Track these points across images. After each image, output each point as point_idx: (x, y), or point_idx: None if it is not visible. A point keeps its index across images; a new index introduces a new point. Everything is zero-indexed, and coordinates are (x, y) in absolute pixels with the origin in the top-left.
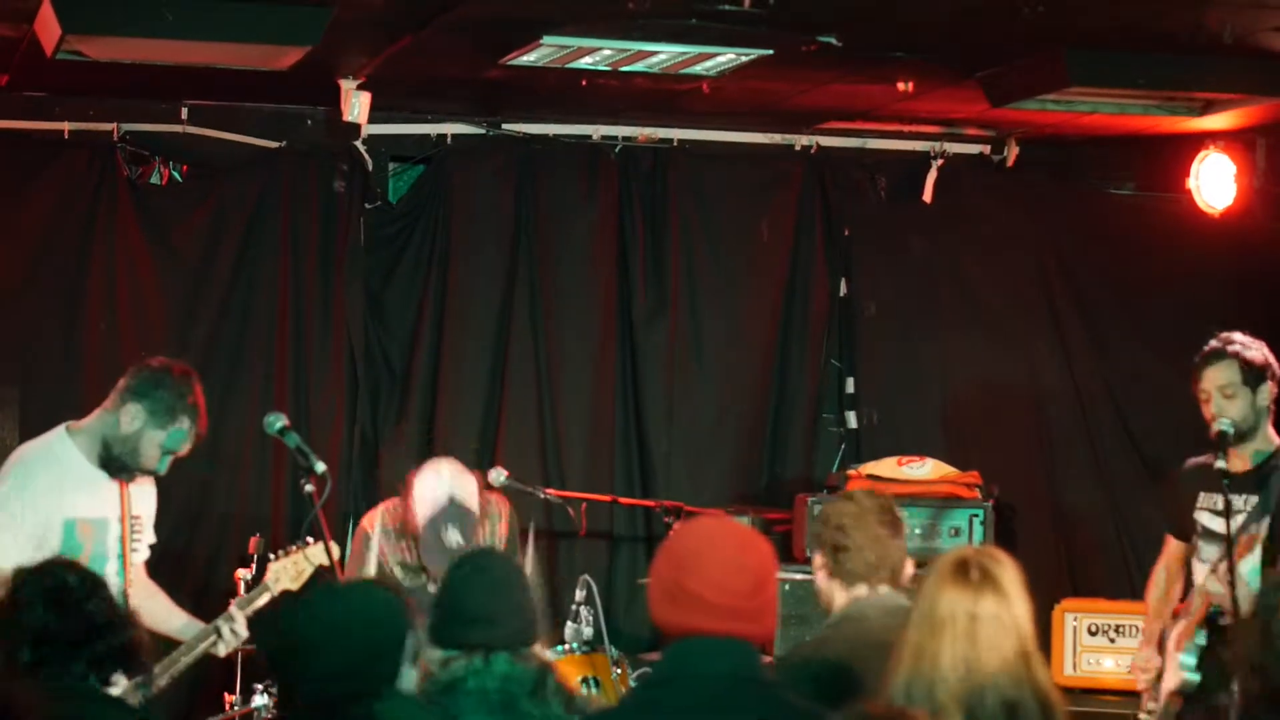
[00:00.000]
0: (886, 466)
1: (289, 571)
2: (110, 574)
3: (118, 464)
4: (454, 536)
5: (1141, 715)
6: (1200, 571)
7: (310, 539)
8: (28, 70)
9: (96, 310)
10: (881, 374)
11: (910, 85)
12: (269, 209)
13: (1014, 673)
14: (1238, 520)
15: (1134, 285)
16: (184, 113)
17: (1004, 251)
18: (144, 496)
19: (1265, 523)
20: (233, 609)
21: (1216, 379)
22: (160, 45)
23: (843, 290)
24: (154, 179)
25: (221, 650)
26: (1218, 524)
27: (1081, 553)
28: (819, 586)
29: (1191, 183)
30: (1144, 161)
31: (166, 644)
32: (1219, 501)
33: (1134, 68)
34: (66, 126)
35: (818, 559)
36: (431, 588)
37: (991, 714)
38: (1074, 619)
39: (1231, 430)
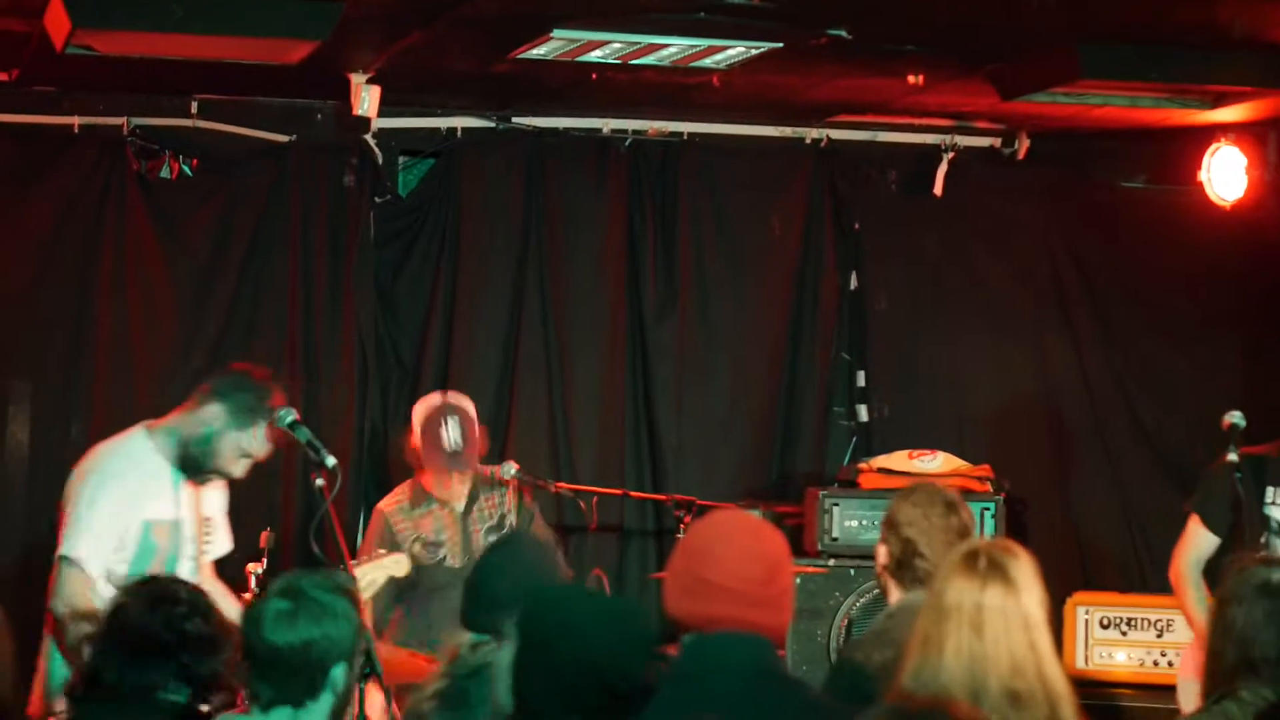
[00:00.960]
0: (897, 460)
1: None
2: (183, 575)
3: (194, 464)
4: (452, 434)
5: None
6: None
7: (383, 550)
8: (38, 65)
9: (106, 304)
10: (892, 367)
11: (921, 78)
12: (278, 203)
13: (1020, 664)
14: None
15: (1145, 278)
16: (194, 107)
17: (1015, 245)
18: (214, 498)
19: None
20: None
21: None
22: (170, 39)
23: (853, 284)
24: (164, 173)
25: None
26: None
27: (1093, 546)
28: (880, 574)
29: (1203, 175)
30: (1155, 154)
31: None
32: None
33: (1145, 61)
34: (76, 121)
35: (882, 554)
36: (449, 563)
37: (994, 704)
38: (1085, 612)
39: (1243, 423)
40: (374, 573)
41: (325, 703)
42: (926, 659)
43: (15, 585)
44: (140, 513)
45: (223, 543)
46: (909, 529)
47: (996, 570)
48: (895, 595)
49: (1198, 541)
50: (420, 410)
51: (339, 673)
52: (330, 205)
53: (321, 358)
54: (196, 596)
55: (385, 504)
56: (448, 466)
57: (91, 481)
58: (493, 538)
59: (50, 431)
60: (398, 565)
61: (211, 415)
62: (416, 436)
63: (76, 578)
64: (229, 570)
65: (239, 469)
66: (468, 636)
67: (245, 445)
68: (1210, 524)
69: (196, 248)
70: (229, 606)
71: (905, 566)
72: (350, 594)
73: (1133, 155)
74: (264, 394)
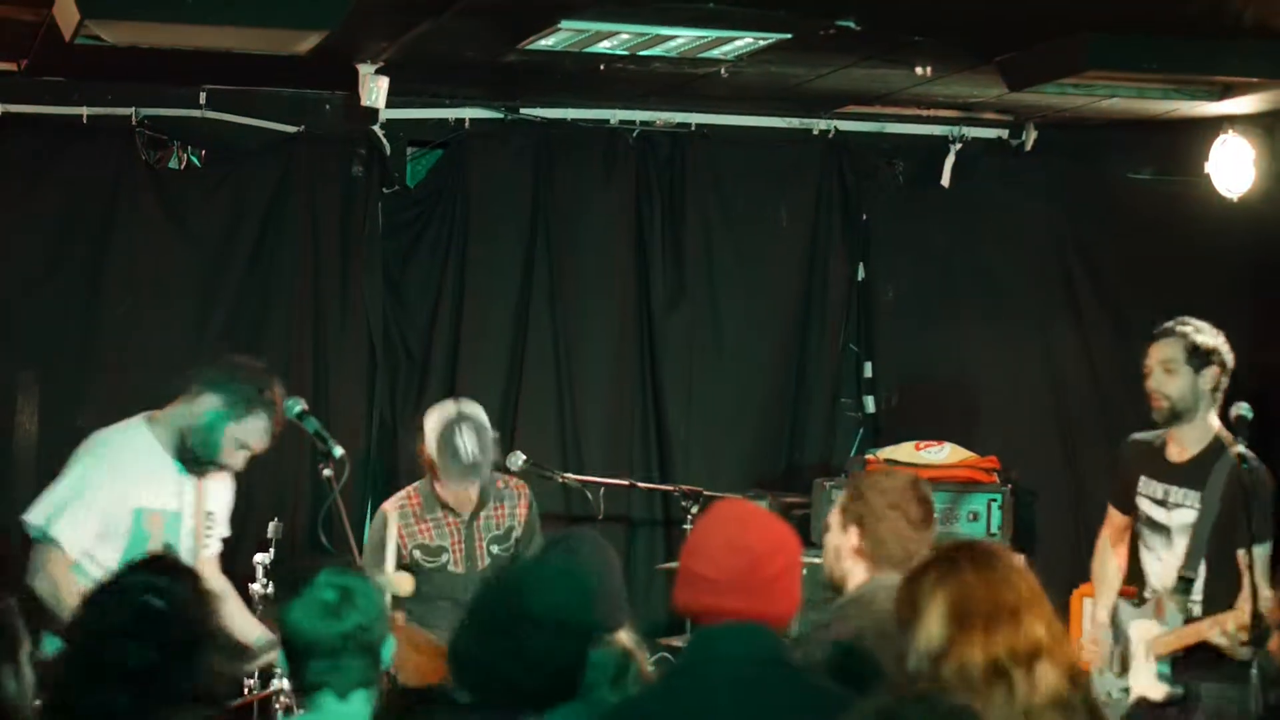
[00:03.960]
0: (905, 451)
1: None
2: None
3: (192, 456)
4: (468, 444)
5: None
6: (1150, 564)
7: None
8: (46, 55)
9: (116, 294)
10: (900, 358)
11: (928, 69)
12: (287, 194)
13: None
14: (1182, 514)
15: (1152, 269)
16: (202, 97)
17: (1022, 236)
18: (219, 492)
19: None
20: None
21: (1160, 354)
22: (178, 30)
23: (861, 275)
24: (172, 164)
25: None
26: (1159, 514)
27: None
28: (838, 560)
29: (1210, 167)
30: (1162, 145)
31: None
32: (1159, 491)
33: (1153, 52)
34: (85, 111)
35: (852, 536)
36: (452, 568)
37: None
38: (1092, 603)
39: (1251, 414)
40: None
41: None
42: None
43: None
44: (131, 501)
45: (221, 535)
46: (886, 510)
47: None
48: (861, 577)
49: (1112, 520)
50: (433, 420)
51: (388, 648)
52: (339, 196)
53: (329, 348)
54: (174, 607)
55: (390, 505)
56: (464, 478)
57: (82, 464)
58: (496, 548)
59: (58, 421)
60: (403, 584)
61: (208, 407)
62: (430, 447)
63: (56, 558)
64: (237, 560)
65: (238, 461)
66: None
67: (242, 437)
68: (1116, 505)
69: (205, 238)
70: (232, 608)
71: (879, 547)
72: (363, 571)
73: (1140, 146)
74: (261, 385)
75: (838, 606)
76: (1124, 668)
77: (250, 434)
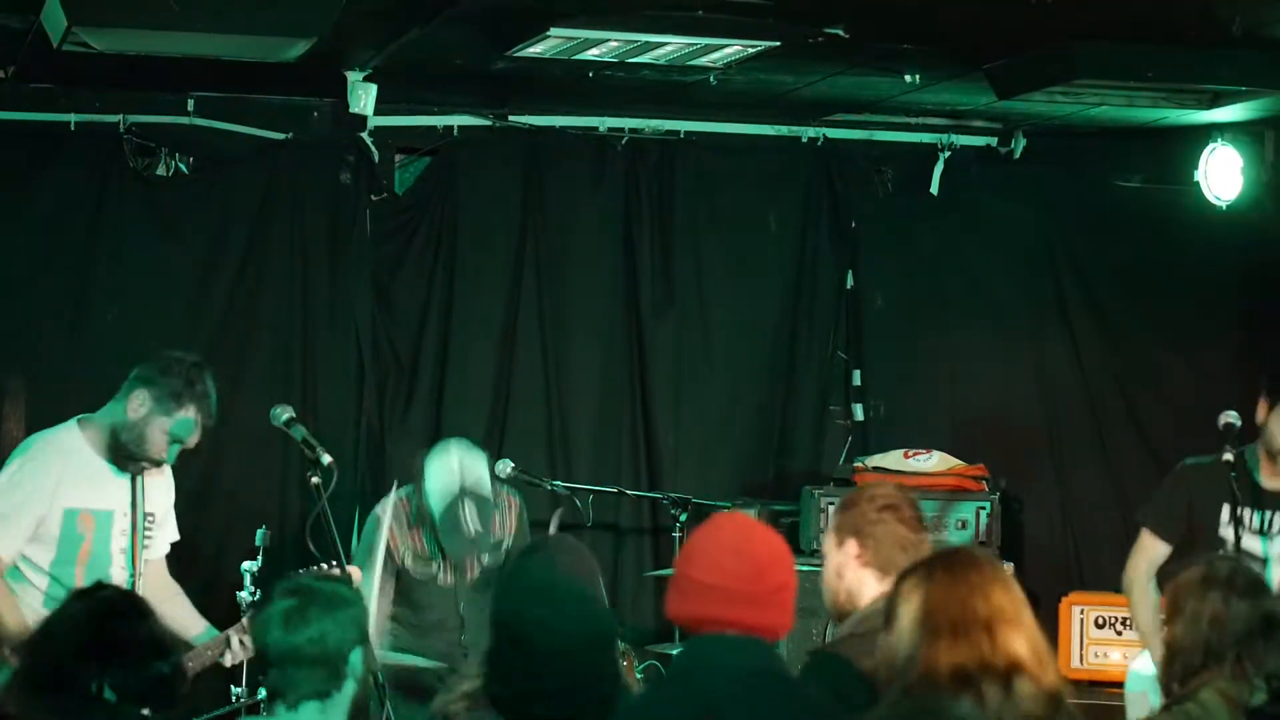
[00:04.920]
0: (893, 459)
1: None
2: (116, 569)
3: (125, 452)
4: (471, 521)
5: None
6: None
7: (330, 564)
8: (34, 62)
9: (104, 302)
10: (889, 366)
11: (917, 77)
12: (275, 201)
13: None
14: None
15: (1141, 277)
16: (190, 104)
17: (1011, 243)
18: (159, 491)
19: None
20: (246, 621)
21: None
22: (167, 36)
23: (850, 282)
24: (160, 171)
25: (227, 660)
26: (1257, 545)
27: (1089, 545)
28: (841, 579)
29: (1199, 175)
30: (1151, 153)
31: None
32: (1257, 520)
33: (1142, 60)
34: (73, 118)
35: (852, 547)
36: (441, 581)
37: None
38: (1081, 611)
39: (1239, 423)
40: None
41: (349, 690)
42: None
43: None
44: (61, 501)
45: (168, 536)
46: (879, 514)
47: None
48: (874, 587)
49: (1152, 551)
50: (434, 481)
51: (357, 657)
52: (327, 203)
53: (318, 355)
54: (139, 604)
55: (382, 510)
56: (465, 552)
57: (13, 467)
58: (485, 558)
59: (46, 427)
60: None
61: (138, 402)
62: (430, 509)
63: None
64: (224, 568)
65: (170, 455)
66: None
67: (174, 431)
68: (1163, 533)
69: (193, 245)
70: (181, 608)
71: (881, 550)
72: (345, 580)
73: (1129, 154)
74: (191, 379)
75: (863, 616)
76: None
77: (182, 429)
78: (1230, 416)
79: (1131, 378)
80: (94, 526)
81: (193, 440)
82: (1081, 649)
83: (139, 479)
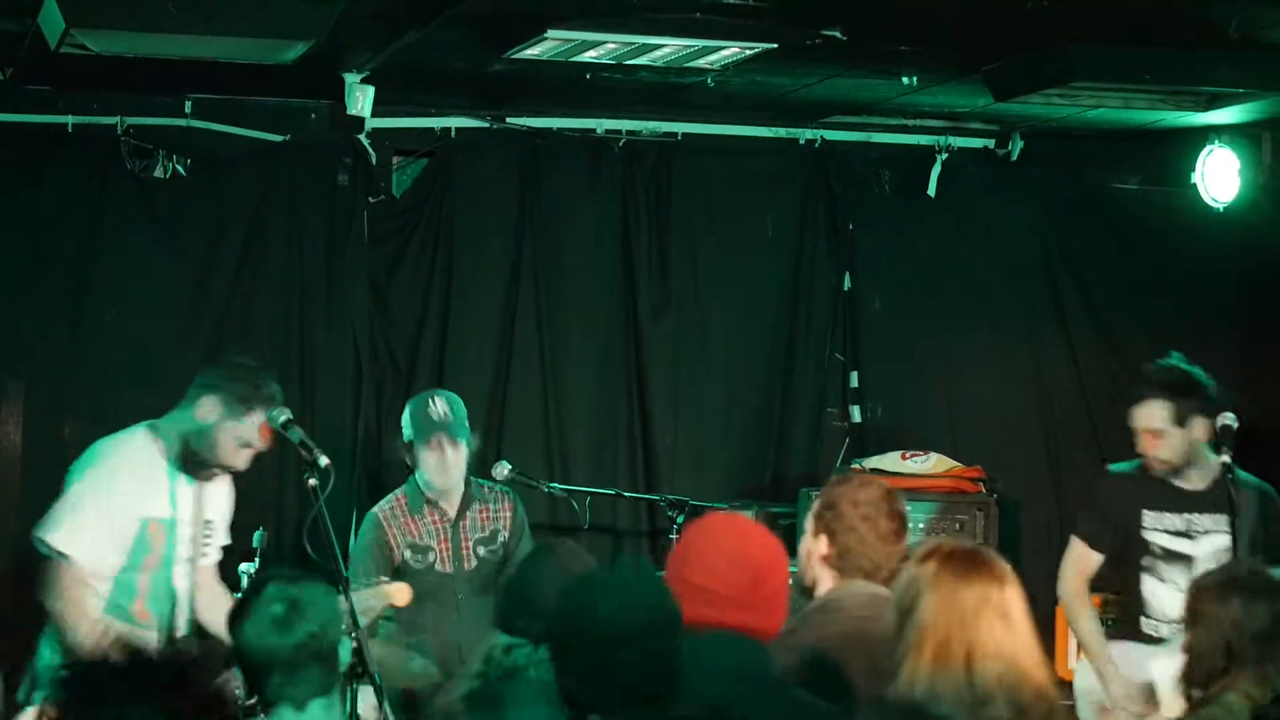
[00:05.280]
0: (890, 460)
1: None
2: (179, 576)
3: (196, 460)
4: (439, 407)
5: None
6: (1168, 597)
7: (385, 579)
8: (31, 64)
9: (101, 303)
10: (886, 368)
11: (914, 79)
12: (273, 203)
13: (1039, 658)
14: (1214, 540)
15: (1139, 279)
16: (188, 106)
17: (1009, 245)
18: (218, 498)
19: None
20: None
21: (1145, 421)
22: (164, 39)
23: (847, 284)
24: (158, 173)
25: None
26: (1182, 545)
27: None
28: (809, 567)
29: (1196, 177)
30: (1149, 156)
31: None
32: (1179, 522)
33: (1139, 62)
34: (70, 120)
35: (823, 544)
36: (439, 568)
37: (1029, 699)
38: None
39: (1236, 424)
40: (374, 600)
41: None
42: (948, 663)
43: (10, 585)
44: (138, 511)
45: (220, 543)
46: (857, 522)
47: (1000, 567)
48: (829, 585)
49: (1086, 560)
50: (408, 406)
51: (345, 648)
52: (324, 205)
53: (315, 357)
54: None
55: (380, 510)
56: (439, 437)
57: (88, 476)
58: (482, 550)
59: (44, 431)
60: (399, 594)
61: (207, 408)
62: (407, 429)
63: (64, 571)
64: (221, 570)
65: (241, 460)
66: (500, 639)
67: (244, 435)
68: (1093, 543)
69: (190, 247)
70: (225, 608)
71: (847, 557)
72: (318, 572)
73: (1126, 156)
74: (259, 383)
75: (804, 614)
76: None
77: (252, 431)
78: (1227, 418)
79: (1129, 379)
80: (163, 537)
81: (263, 445)
82: (1078, 651)
83: (202, 485)
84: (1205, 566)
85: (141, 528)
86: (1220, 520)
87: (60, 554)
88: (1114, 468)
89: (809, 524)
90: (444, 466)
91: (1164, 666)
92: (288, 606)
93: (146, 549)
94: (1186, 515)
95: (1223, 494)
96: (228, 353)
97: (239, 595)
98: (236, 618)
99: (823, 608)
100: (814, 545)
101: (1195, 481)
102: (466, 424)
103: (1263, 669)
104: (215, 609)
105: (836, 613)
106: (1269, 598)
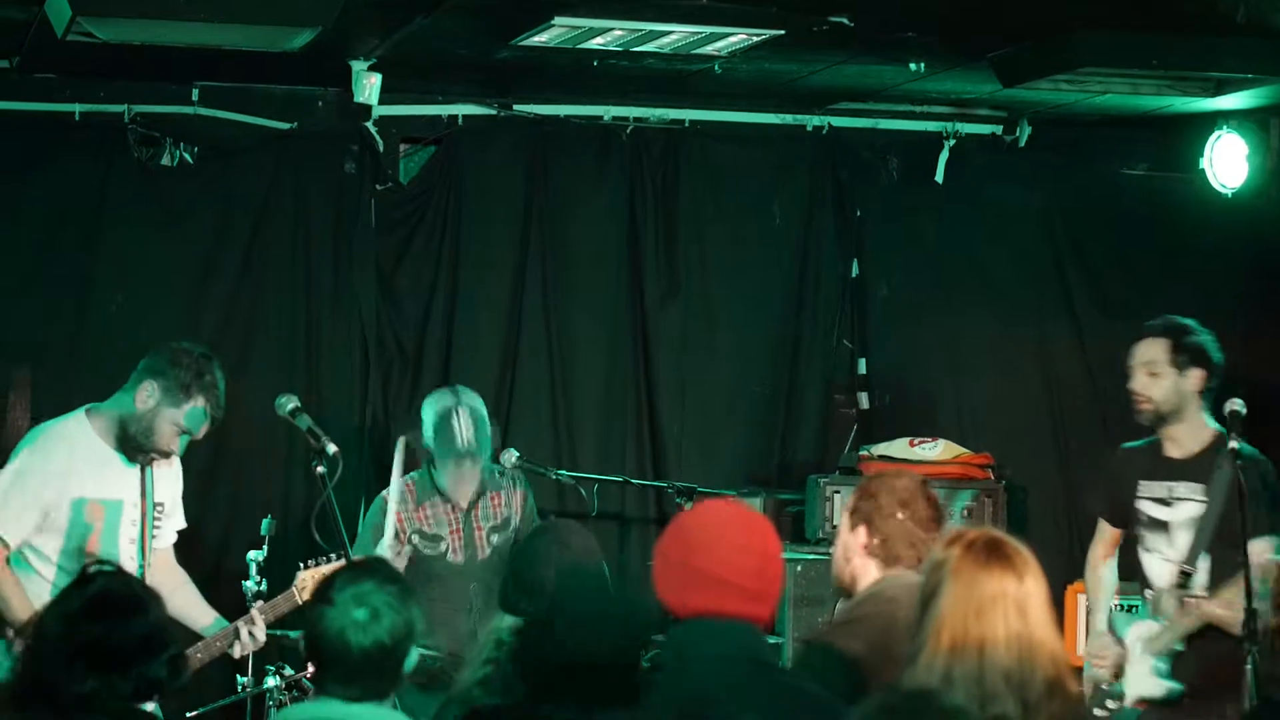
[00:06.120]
0: (898, 447)
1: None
2: (126, 558)
3: (134, 444)
4: (464, 431)
5: (1097, 712)
6: (1153, 565)
7: (336, 555)
8: (38, 52)
9: (108, 291)
10: (894, 355)
11: (922, 65)
12: (280, 191)
13: (1055, 650)
14: (1187, 508)
15: (1146, 265)
16: (194, 94)
17: (1016, 232)
18: (168, 481)
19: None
20: (254, 613)
21: (1143, 355)
22: (171, 26)
23: (855, 271)
24: (165, 161)
25: (236, 652)
26: (1161, 512)
27: (1093, 533)
28: (848, 561)
29: (1205, 162)
30: (1157, 142)
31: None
32: (1160, 489)
33: (1147, 48)
34: (77, 109)
35: (861, 534)
36: (451, 557)
37: (1038, 694)
38: (1085, 599)
39: (1245, 410)
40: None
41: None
42: (964, 654)
43: None
44: (71, 491)
45: (175, 525)
46: (896, 508)
47: (1024, 558)
48: (875, 575)
49: (1108, 535)
50: (430, 408)
51: (413, 657)
52: (331, 193)
53: (322, 345)
54: (135, 598)
55: (389, 494)
56: (460, 465)
57: (20, 458)
58: (495, 538)
59: (51, 418)
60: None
61: (146, 393)
62: (427, 434)
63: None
64: (229, 558)
65: (178, 445)
66: (508, 621)
67: (182, 422)
68: (1109, 519)
69: (197, 236)
70: (189, 597)
71: (889, 545)
72: (401, 581)
73: (1134, 142)
74: (200, 370)
75: (859, 602)
76: (1120, 672)
77: (191, 420)
78: (1235, 404)
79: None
80: (103, 516)
81: (201, 431)
82: (1087, 637)
83: (148, 469)
84: (1180, 534)
85: (75, 508)
86: (1196, 489)
87: None
88: (1125, 445)
89: (844, 520)
90: (461, 483)
91: (1137, 630)
92: (371, 613)
93: (86, 529)
94: (1168, 483)
95: (1207, 463)
96: (231, 349)
97: (339, 571)
98: (321, 600)
99: (876, 596)
100: (852, 539)
101: (1182, 444)
102: (489, 435)
103: None
104: (174, 592)
105: (892, 602)
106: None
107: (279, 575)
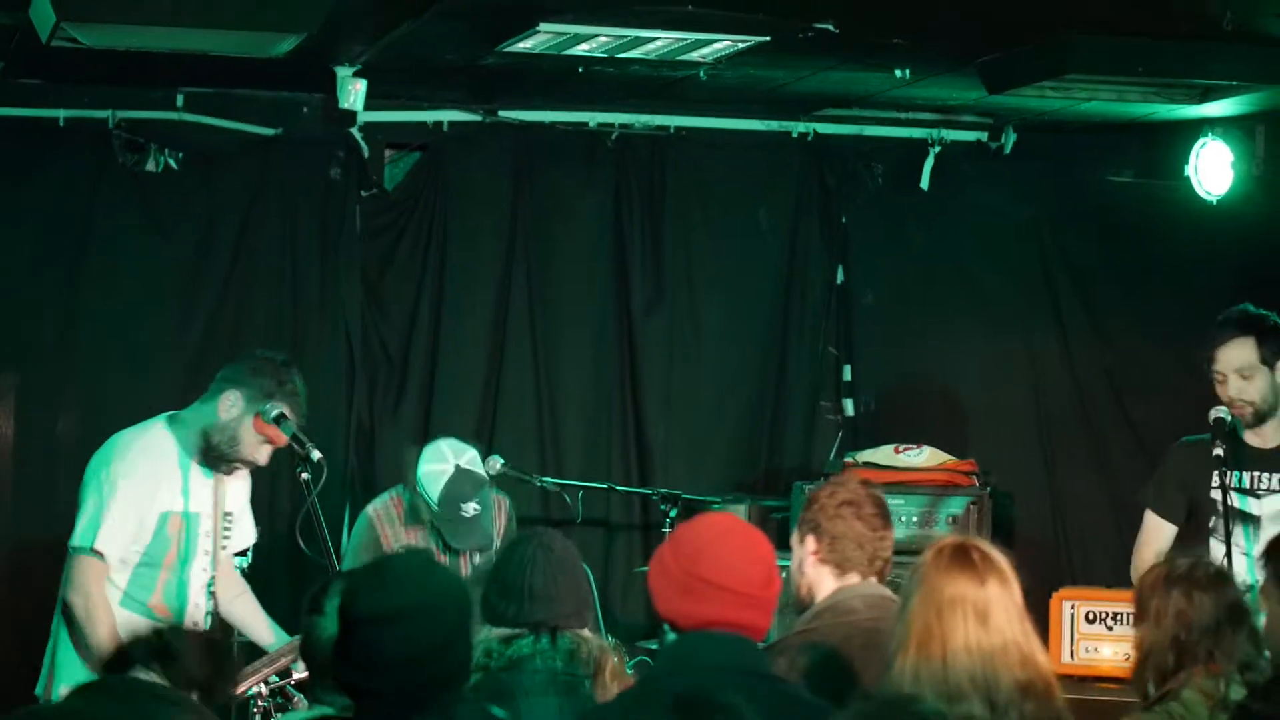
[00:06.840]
0: (884, 454)
1: None
2: (198, 570)
3: (216, 454)
4: (470, 506)
5: None
6: (1235, 560)
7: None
8: (23, 58)
9: (94, 297)
10: (879, 361)
11: (908, 72)
12: (265, 197)
13: (1025, 654)
14: (1275, 500)
15: (1132, 272)
16: (179, 100)
17: (1002, 239)
18: (237, 492)
19: None
20: None
21: (1233, 360)
22: (155, 32)
23: (840, 278)
24: (150, 166)
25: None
26: (1247, 504)
27: (1079, 540)
28: (801, 574)
29: (1190, 169)
30: (1142, 148)
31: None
32: (1244, 480)
33: (1133, 55)
34: (62, 114)
35: (810, 543)
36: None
37: (1008, 695)
38: (1071, 607)
39: (1230, 418)
40: None
41: None
42: (929, 656)
43: (3, 578)
44: (157, 504)
45: (245, 535)
46: (840, 509)
47: (989, 563)
48: (832, 585)
49: (1159, 533)
50: (429, 476)
51: None
52: (317, 199)
53: (308, 351)
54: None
55: (374, 510)
56: (469, 537)
57: (108, 471)
58: (478, 558)
59: (37, 425)
60: None
61: (229, 403)
62: (429, 499)
63: (90, 567)
64: None
65: (262, 455)
66: (496, 631)
67: (266, 432)
68: (1164, 513)
69: (183, 241)
70: (247, 607)
71: (837, 546)
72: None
73: (1120, 149)
74: (281, 378)
75: (815, 613)
76: None
77: (274, 428)
78: (1220, 411)
79: (1121, 372)
80: (181, 530)
81: (284, 440)
82: (1072, 644)
83: (220, 479)
84: (1270, 527)
85: (160, 522)
86: (1276, 478)
87: (86, 548)
88: (1186, 439)
89: (794, 535)
90: (458, 539)
91: None
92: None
93: (166, 542)
94: (1254, 473)
95: None
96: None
97: (332, 580)
98: (313, 609)
99: (834, 608)
100: (801, 550)
101: (1267, 437)
102: (493, 516)
103: (1214, 662)
104: (234, 601)
105: (849, 614)
106: (1212, 589)
107: (263, 582)
